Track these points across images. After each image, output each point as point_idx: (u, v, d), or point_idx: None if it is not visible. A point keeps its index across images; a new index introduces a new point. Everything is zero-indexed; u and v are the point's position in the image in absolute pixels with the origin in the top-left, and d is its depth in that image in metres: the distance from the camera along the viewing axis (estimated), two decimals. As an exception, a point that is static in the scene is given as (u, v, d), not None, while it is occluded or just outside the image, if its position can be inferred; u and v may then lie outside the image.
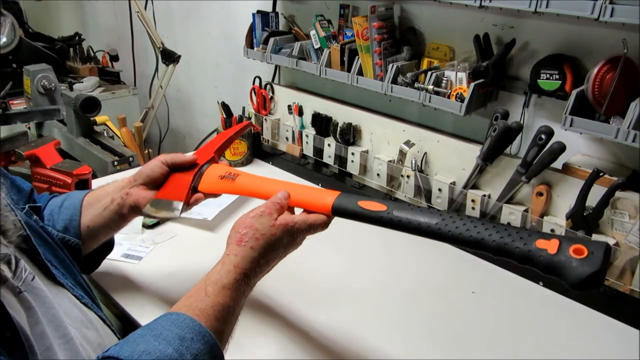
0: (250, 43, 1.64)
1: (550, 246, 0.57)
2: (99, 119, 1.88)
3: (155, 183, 0.87)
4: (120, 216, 0.86)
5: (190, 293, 0.65)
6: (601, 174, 1.01)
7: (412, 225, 0.67)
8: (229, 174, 0.85)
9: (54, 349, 0.58)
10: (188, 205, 0.84)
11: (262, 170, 1.63)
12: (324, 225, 0.75)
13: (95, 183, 1.38)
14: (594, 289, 0.55)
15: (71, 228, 0.85)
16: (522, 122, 1.17)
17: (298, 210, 0.78)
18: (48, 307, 0.62)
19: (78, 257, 0.86)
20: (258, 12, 1.59)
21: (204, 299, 0.64)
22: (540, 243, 0.58)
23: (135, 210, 0.85)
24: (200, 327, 0.60)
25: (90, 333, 0.68)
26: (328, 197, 0.75)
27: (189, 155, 0.90)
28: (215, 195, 0.88)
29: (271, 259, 0.72)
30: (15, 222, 0.63)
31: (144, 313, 0.94)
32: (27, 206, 0.75)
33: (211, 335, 0.60)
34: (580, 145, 1.13)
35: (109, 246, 0.95)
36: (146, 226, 1.22)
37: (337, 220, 0.76)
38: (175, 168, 0.88)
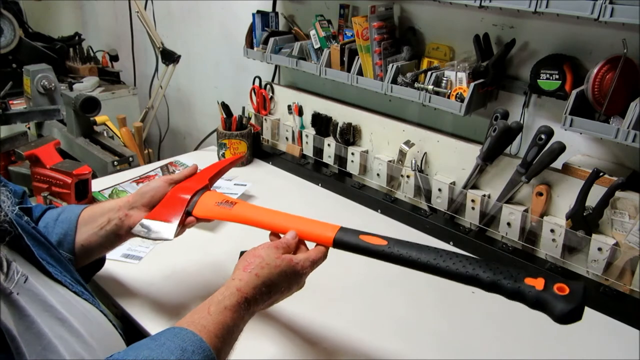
0: (250, 43, 1.63)
1: (537, 283, 0.64)
2: (98, 119, 1.88)
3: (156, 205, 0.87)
4: (117, 236, 0.86)
5: (194, 310, 0.68)
6: (601, 174, 1.01)
7: (412, 260, 0.71)
8: (225, 202, 0.86)
9: (53, 347, 0.59)
10: (181, 227, 0.84)
11: (262, 170, 1.63)
12: (324, 258, 0.78)
13: (95, 183, 1.38)
14: (575, 321, 0.61)
15: (65, 243, 0.84)
16: (522, 122, 1.17)
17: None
18: (46, 306, 0.62)
19: None
20: (258, 12, 1.59)
21: (206, 316, 0.66)
22: (529, 280, 0.65)
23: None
24: (202, 342, 0.62)
25: (94, 327, 0.69)
26: (329, 230, 0.77)
27: (187, 169, 0.91)
28: (208, 220, 0.89)
29: (273, 290, 0.73)
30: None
31: (144, 313, 0.94)
32: (17, 207, 0.74)
33: (211, 350, 0.62)
34: (580, 145, 1.13)
35: (100, 262, 0.95)
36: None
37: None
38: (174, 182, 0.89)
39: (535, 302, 0.63)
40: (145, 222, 0.83)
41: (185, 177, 0.90)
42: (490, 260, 0.68)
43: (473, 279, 0.67)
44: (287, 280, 0.74)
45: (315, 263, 0.77)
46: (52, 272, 0.69)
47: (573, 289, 0.63)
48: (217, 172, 0.96)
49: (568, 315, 0.60)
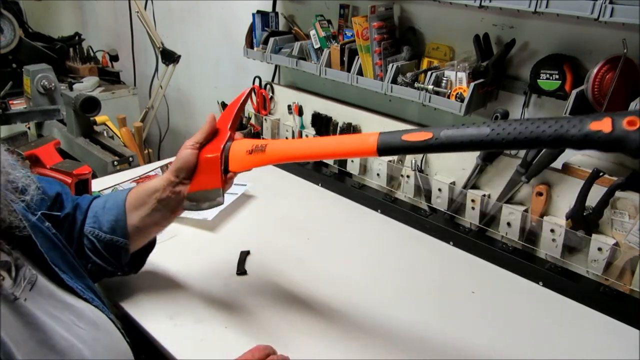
0: (250, 43, 1.64)
1: (604, 126, 0.58)
2: (98, 119, 1.88)
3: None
4: (172, 212, 0.88)
5: None
6: (601, 174, 1.01)
7: (465, 142, 0.66)
8: (256, 147, 0.83)
9: (55, 354, 0.60)
10: (225, 186, 0.84)
11: (261, 170, 1.62)
12: None
13: (95, 183, 1.38)
14: None
15: (118, 229, 0.86)
16: (522, 122, 1.17)
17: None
18: (51, 315, 0.63)
19: (122, 257, 0.88)
20: (258, 12, 1.59)
21: None
22: (594, 125, 0.59)
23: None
24: None
25: (101, 335, 0.69)
26: (370, 139, 0.72)
27: (207, 125, 0.89)
28: (248, 169, 0.87)
29: None
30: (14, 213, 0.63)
31: (144, 313, 0.94)
32: (39, 213, 0.76)
33: None
34: (580, 145, 1.13)
35: (152, 243, 0.97)
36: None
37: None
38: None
39: (608, 144, 0.58)
40: (191, 195, 0.84)
41: (208, 135, 0.88)
42: (540, 118, 0.63)
43: (535, 141, 0.62)
44: None
45: None
46: (65, 278, 0.70)
47: None
48: (234, 118, 0.92)
49: None
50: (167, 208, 0.86)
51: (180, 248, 1.16)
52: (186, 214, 0.88)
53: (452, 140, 0.66)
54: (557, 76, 1.05)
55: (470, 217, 1.24)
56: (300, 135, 1.61)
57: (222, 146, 0.85)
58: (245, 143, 0.85)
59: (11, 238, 0.64)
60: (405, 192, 1.37)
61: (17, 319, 0.59)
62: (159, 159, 2.46)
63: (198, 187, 0.83)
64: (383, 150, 0.71)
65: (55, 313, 0.64)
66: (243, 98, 0.95)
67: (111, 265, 0.88)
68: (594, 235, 1.04)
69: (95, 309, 0.72)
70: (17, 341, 0.57)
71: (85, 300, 0.71)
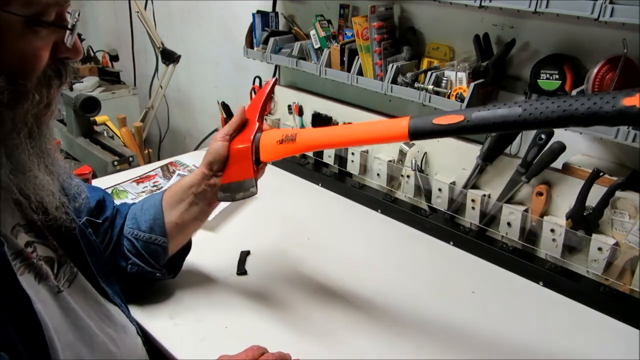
0: (250, 43, 1.64)
1: (637, 101, 0.58)
2: (99, 119, 1.88)
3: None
4: (208, 206, 0.89)
5: None
6: (601, 173, 1.01)
7: (497, 123, 0.66)
8: (286, 137, 0.83)
9: (88, 348, 0.64)
10: (257, 175, 0.85)
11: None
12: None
13: (95, 183, 1.38)
14: None
15: (156, 227, 0.88)
16: (522, 122, 1.17)
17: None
18: (88, 310, 0.67)
19: (160, 257, 0.90)
20: (258, 12, 1.59)
21: None
22: (627, 101, 0.58)
23: None
24: None
25: (126, 337, 0.73)
26: (401, 124, 0.73)
27: (236, 117, 0.90)
28: (279, 159, 0.88)
29: None
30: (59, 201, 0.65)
31: (144, 313, 0.94)
32: (85, 218, 0.79)
33: None
34: (580, 145, 1.13)
35: (188, 246, 0.98)
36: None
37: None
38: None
39: None
40: (225, 186, 0.85)
41: (237, 126, 0.89)
42: (572, 95, 0.63)
43: (568, 119, 0.61)
44: None
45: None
46: (100, 281, 0.74)
47: None
48: (262, 109, 0.93)
49: None
50: (204, 201, 0.88)
51: (181, 248, 1.16)
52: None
53: (485, 122, 0.66)
54: (557, 76, 1.05)
55: (471, 217, 1.24)
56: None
57: (251, 137, 0.86)
58: (275, 133, 0.86)
59: (58, 237, 0.68)
60: (405, 192, 1.37)
61: (59, 310, 0.62)
62: (159, 159, 2.46)
63: (231, 178, 0.85)
64: (414, 134, 0.71)
65: (90, 311, 0.68)
66: (268, 89, 0.96)
67: (150, 266, 0.89)
68: (594, 235, 1.04)
69: (122, 313, 0.76)
70: (58, 331, 0.60)
71: (114, 303, 0.75)
